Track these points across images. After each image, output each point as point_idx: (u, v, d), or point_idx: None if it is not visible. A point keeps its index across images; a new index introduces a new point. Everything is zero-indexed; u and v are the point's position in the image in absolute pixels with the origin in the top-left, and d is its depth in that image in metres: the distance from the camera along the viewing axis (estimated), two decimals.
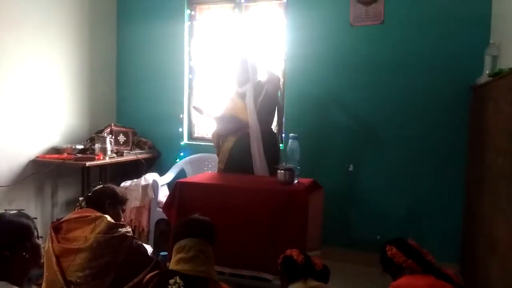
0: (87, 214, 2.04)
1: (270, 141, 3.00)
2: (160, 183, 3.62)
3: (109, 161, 3.50)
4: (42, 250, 1.60)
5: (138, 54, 4.21)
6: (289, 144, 2.70)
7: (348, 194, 3.46)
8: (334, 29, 3.46)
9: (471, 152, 3.03)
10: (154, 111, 4.12)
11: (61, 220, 2.05)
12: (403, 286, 1.78)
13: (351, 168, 3.44)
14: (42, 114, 3.46)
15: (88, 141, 3.72)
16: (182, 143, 4.06)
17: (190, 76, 4.09)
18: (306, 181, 2.64)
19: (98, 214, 2.03)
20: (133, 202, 3.56)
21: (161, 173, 3.86)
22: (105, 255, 1.88)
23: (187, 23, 4.03)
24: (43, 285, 1.94)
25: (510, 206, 1.85)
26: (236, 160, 2.98)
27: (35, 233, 1.51)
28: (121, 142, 3.89)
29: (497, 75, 2.23)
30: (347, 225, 3.47)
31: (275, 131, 3.29)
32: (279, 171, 2.56)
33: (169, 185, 3.73)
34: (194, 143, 4.06)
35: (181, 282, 1.56)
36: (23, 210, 1.73)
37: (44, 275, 1.93)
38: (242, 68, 3.03)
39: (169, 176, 3.84)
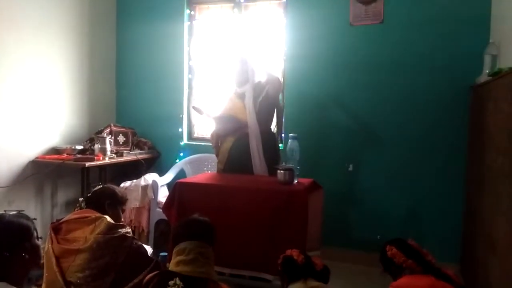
0: (87, 214, 2.04)
1: (270, 141, 2.99)
2: (159, 184, 3.61)
3: (108, 161, 3.49)
4: (42, 251, 1.60)
5: (137, 54, 4.21)
6: (289, 144, 2.70)
7: (348, 194, 3.46)
8: (333, 28, 3.46)
9: (471, 152, 3.03)
10: (154, 111, 4.12)
11: (61, 221, 2.05)
12: (403, 286, 1.78)
13: (351, 168, 3.44)
14: (42, 115, 3.46)
15: (88, 141, 3.72)
16: (181, 143, 4.06)
17: (190, 76, 4.09)
18: (306, 181, 2.64)
19: (98, 214, 2.03)
20: (133, 202, 3.55)
21: (161, 173, 3.86)
22: (105, 255, 1.88)
23: (186, 23, 4.03)
24: (43, 285, 1.94)
25: (510, 206, 1.84)
26: (235, 160, 2.97)
27: (35, 233, 1.51)
28: (121, 143, 3.88)
29: (496, 74, 2.23)
30: (347, 225, 3.47)
31: (275, 131, 3.29)
32: (279, 171, 2.56)
33: (168, 185, 3.73)
34: (194, 143, 4.06)
35: (181, 283, 1.56)
36: (23, 210, 1.72)
37: (44, 276, 1.93)
38: (241, 68, 3.02)
39: (169, 176, 3.84)
